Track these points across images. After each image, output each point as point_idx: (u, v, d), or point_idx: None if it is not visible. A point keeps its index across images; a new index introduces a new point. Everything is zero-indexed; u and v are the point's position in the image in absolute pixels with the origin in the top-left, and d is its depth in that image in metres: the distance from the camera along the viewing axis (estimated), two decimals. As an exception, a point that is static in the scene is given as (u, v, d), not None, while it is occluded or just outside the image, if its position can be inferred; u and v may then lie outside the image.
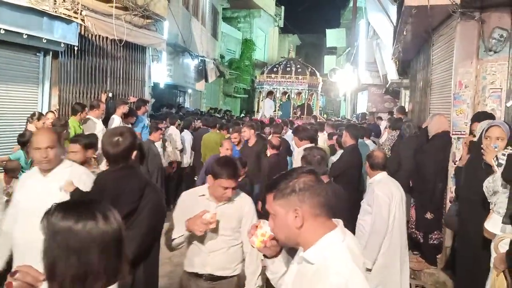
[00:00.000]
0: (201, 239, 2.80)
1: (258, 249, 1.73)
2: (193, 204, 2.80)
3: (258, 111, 16.26)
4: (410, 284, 5.11)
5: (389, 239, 3.64)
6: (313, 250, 1.48)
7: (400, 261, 3.76)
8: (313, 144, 5.60)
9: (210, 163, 3.24)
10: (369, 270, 3.54)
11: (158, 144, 6.99)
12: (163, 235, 2.82)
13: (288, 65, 15.98)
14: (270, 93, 15.83)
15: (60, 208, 1.30)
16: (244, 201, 2.92)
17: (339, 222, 1.55)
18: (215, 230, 2.75)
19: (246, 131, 6.62)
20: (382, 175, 3.83)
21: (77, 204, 1.36)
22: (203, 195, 2.84)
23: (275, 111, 15.37)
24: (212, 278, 2.83)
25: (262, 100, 15.87)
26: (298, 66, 16.05)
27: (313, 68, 16.59)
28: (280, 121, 10.66)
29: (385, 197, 3.63)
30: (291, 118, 13.30)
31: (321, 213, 1.49)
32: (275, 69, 16.04)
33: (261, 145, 6.57)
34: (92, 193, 2.52)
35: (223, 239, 2.81)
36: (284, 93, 16.03)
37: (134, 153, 2.51)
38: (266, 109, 15.16)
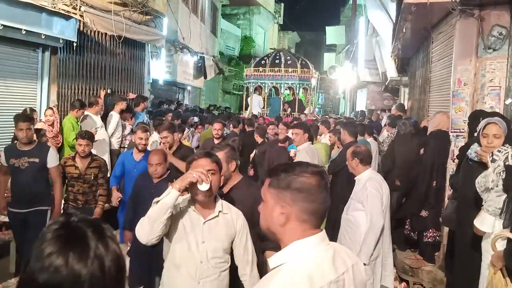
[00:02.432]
0: (190, 263, 2.38)
1: None
2: (178, 212, 2.41)
3: (246, 108, 15.22)
4: (408, 281, 5.13)
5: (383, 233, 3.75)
6: (277, 255, 1.37)
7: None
8: (310, 142, 5.64)
9: None
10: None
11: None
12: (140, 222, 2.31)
13: (277, 57, 14.56)
14: (258, 88, 14.74)
15: None
16: (237, 216, 2.52)
17: (320, 234, 1.39)
18: (205, 252, 2.38)
19: (168, 137, 4.86)
20: (370, 171, 3.88)
21: None
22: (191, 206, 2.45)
23: (263, 107, 14.48)
24: None
25: (249, 96, 14.77)
26: (288, 57, 14.65)
27: (305, 60, 15.15)
28: (270, 119, 10.37)
29: (377, 193, 3.68)
30: (280, 115, 12.33)
31: (307, 220, 1.36)
32: (263, 62, 14.66)
33: (187, 151, 4.91)
34: None
35: (214, 263, 2.40)
36: (274, 87, 14.77)
37: None
38: (253, 105, 14.38)
